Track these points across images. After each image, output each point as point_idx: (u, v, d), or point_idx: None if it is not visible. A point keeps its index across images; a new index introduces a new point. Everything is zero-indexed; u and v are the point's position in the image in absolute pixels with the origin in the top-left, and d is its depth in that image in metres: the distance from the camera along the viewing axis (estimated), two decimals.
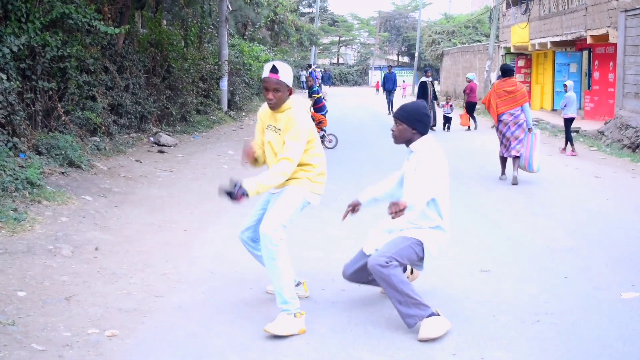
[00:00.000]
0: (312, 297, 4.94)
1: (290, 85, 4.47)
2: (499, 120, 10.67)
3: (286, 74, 4.43)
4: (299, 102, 4.55)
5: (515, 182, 10.39)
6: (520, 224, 7.65)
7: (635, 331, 4.36)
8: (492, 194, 9.60)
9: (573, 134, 16.70)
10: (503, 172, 10.95)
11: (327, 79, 45.48)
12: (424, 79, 19.59)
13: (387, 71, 29.10)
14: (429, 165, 4.45)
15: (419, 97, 19.69)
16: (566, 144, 14.66)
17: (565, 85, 14.53)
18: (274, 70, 4.39)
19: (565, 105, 14.25)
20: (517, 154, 10.48)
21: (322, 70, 50.95)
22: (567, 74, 24.02)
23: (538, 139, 10.53)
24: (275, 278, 4.29)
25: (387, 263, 4.23)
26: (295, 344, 4.08)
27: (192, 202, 8.55)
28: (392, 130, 4.65)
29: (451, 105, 20.72)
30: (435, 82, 34.39)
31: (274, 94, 4.39)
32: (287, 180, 4.45)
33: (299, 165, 4.44)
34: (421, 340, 4.16)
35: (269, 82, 4.39)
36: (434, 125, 20.08)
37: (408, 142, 4.62)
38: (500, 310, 4.72)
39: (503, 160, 10.93)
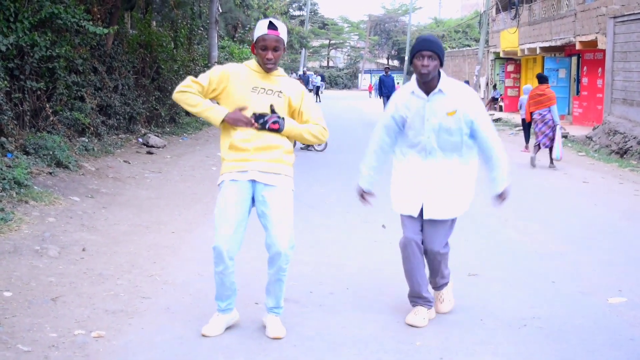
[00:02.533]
0: (299, 300, 4.93)
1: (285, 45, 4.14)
2: (532, 119, 12.93)
3: (284, 31, 4.04)
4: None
5: (533, 164, 12.75)
6: (508, 229, 7.67)
7: (621, 336, 4.38)
8: (480, 197, 9.61)
9: (562, 139, 16.87)
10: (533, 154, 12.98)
11: (305, 84, 34.06)
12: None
13: (384, 74, 23.84)
14: (480, 104, 4.47)
15: None
16: (527, 143, 15.53)
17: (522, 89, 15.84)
18: (273, 26, 3.98)
19: (521, 107, 15.82)
20: (544, 147, 12.61)
21: (303, 72, 43.32)
22: (556, 80, 24.16)
23: (559, 133, 12.50)
24: (282, 289, 4.22)
25: (445, 247, 4.73)
26: (283, 346, 4.07)
27: (180, 203, 8.52)
28: (424, 66, 4.12)
29: None
30: None
31: (274, 53, 3.98)
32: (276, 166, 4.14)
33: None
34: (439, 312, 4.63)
35: (269, 40, 3.96)
36: None
37: (433, 81, 4.24)
38: (488, 315, 4.73)
39: (536, 148, 12.88)
